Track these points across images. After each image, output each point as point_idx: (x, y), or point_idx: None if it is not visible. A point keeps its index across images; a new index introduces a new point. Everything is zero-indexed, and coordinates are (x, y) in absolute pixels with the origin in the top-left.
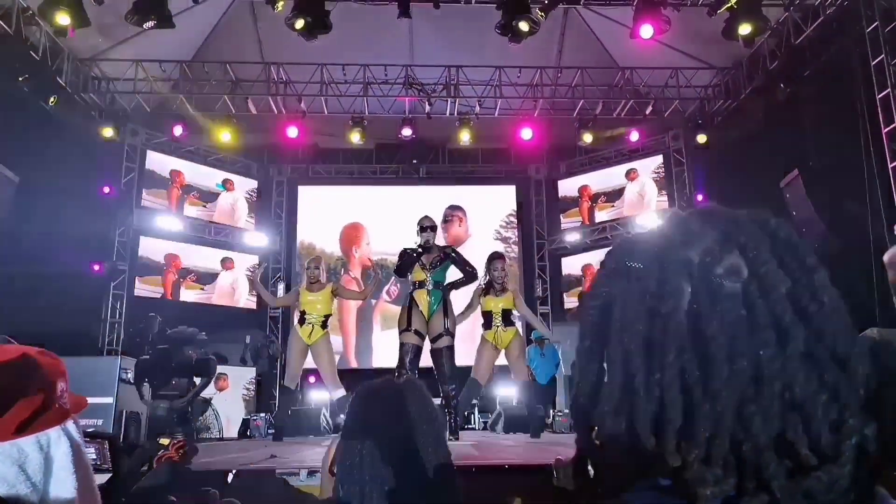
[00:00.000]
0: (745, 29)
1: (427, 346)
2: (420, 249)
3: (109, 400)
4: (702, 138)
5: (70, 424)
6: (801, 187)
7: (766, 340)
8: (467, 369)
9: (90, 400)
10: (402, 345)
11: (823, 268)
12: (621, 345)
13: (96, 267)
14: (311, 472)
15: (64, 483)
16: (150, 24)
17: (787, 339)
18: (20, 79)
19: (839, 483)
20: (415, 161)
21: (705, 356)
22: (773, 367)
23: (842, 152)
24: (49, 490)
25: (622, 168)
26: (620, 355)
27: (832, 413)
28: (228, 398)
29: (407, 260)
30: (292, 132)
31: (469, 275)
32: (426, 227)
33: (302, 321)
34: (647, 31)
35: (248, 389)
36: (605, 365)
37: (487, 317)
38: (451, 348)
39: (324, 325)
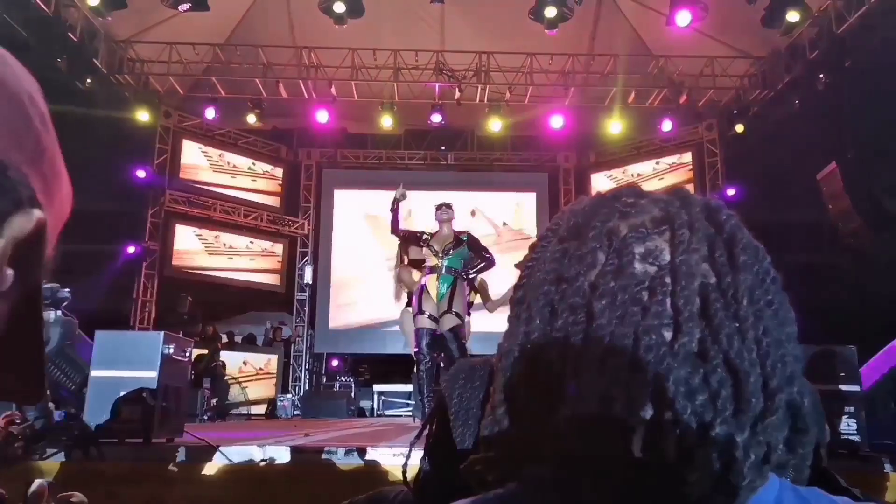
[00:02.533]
0: (793, 16)
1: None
2: (425, 234)
3: (153, 374)
4: (739, 128)
5: None
6: (839, 180)
7: (653, 328)
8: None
9: (133, 374)
10: (416, 330)
11: (769, 277)
12: (528, 304)
13: (130, 248)
14: (349, 451)
15: None
16: (185, 6)
17: (678, 334)
18: (58, 60)
19: (690, 489)
20: (443, 148)
21: (587, 332)
22: (650, 356)
23: (882, 146)
24: None
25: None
26: (526, 313)
27: (706, 415)
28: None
29: (410, 235)
30: (322, 117)
31: (486, 260)
32: (443, 219)
33: None
34: (684, 18)
35: (269, 374)
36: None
37: None
38: (453, 329)
39: None
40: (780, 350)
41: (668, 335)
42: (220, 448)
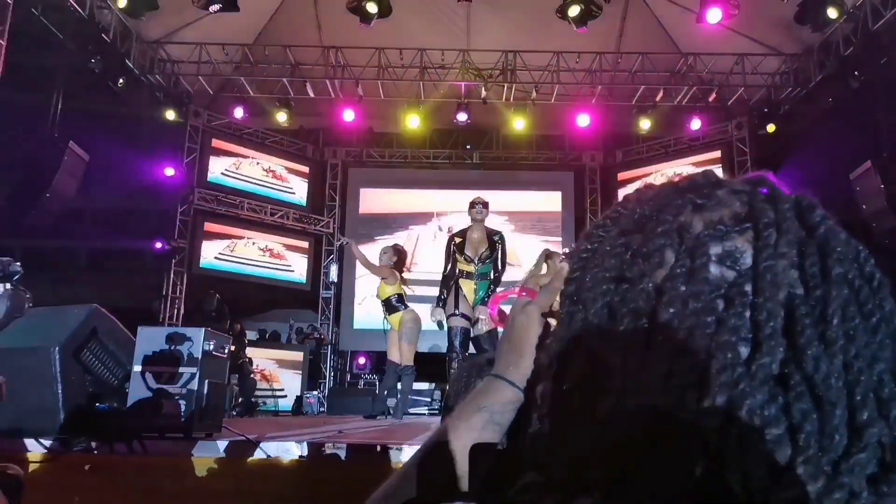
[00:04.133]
0: (832, 13)
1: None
2: (455, 240)
3: (194, 370)
4: (771, 127)
5: None
6: (874, 179)
7: (729, 344)
8: None
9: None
10: (450, 328)
11: (871, 284)
12: (584, 303)
13: (158, 245)
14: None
15: None
16: (216, 7)
17: (757, 353)
18: (92, 60)
19: None
20: (469, 146)
21: (650, 343)
22: (723, 378)
23: None
24: None
25: (681, 162)
26: (582, 314)
27: (780, 453)
28: (285, 376)
29: (448, 261)
30: (349, 116)
31: (496, 279)
32: (472, 210)
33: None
34: (714, 15)
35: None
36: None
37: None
38: (491, 332)
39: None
40: (876, 374)
41: (744, 353)
42: (261, 444)
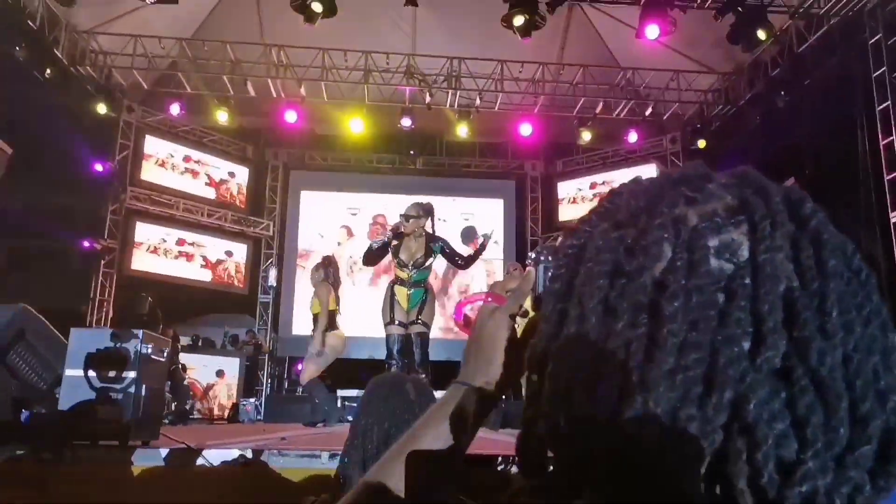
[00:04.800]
0: (762, 34)
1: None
2: (392, 242)
3: (132, 374)
4: (701, 143)
5: None
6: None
7: (734, 338)
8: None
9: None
10: (387, 336)
11: (860, 277)
12: (579, 299)
13: (86, 244)
14: (333, 455)
15: None
16: None
17: (762, 346)
18: (17, 48)
19: None
20: (412, 152)
21: (654, 338)
22: (730, 372)
23: (839, 163)
24: None
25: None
26: (577, 311)
27: (786, 448)
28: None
29: (369, 253)
30: (291, 117)
31: (460, 267)
32: (404, 214)
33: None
34: (653, 31)
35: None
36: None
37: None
38: (421, 335)
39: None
40: (871, 366)
41: (746, 346)
42: (203, 451)
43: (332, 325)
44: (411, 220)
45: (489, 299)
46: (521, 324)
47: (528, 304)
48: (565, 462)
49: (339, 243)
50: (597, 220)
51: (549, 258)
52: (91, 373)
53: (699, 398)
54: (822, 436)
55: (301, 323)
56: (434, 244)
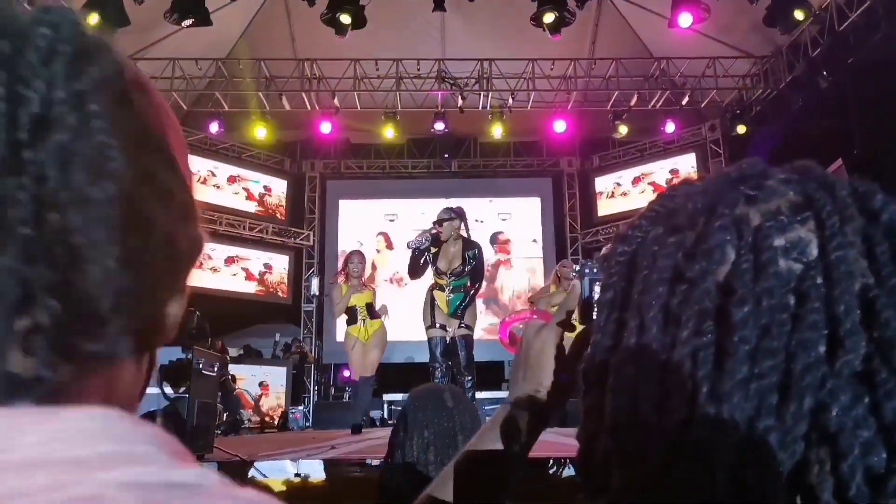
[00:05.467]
0: (799, 15)
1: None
2: (430, 250)
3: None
4: (741, 128)
5: None
6: (845, 177)
7: (810, 342)
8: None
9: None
10: (429, 339)
11: None
12: (638, 308)
13: None
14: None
15: None
16: (188, 21)
17: (840, 350)
18: None
19: None
20: (446, 155)
21: (723, 347)
22: (808, 378)
23: (888, 141)
24: None
25: (657, 165)
26: (636, 321)
27: (874, 457)
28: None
29: (412, 262)
30: (325, 128)
31: (471, 295)
32: (437, 220)
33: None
34: (685, 19)
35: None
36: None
37: (351, 312)
38: (465, 337)
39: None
40: None
41: (822, 351)
42: (256, 463)
43: (350, 320)
44: (445, 224)
45: (534, 316)
46: (568, 339)
47: (575, 317)
48: (631, 481)
49: (377, 250)
50: (648, 225)
51: (595, 270)
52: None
53: (776, 408)
54: (876, 428)
55: (344, 330)
56: (470, 251)
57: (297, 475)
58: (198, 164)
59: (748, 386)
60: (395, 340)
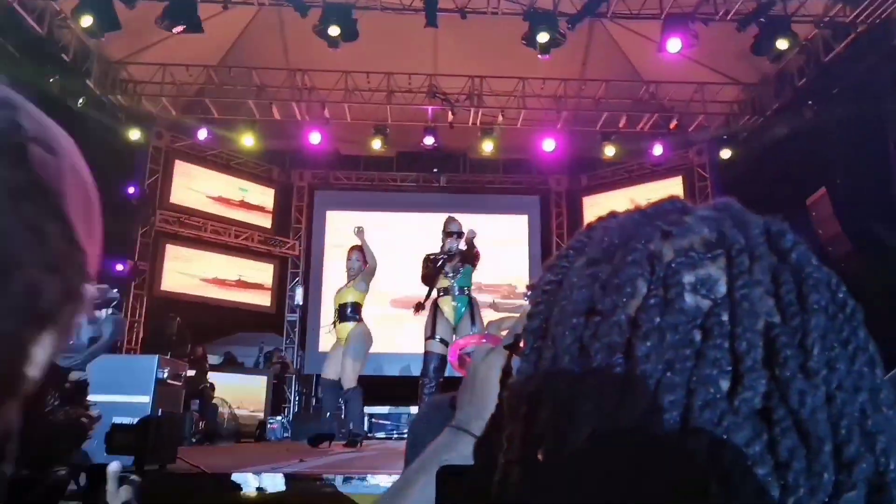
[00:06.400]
0: (782, 44)
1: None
2: (444, 256)
3: (147, 399)
4: (726, 153)
5: None
6: (828, 206)
7: (711, 378)
8: None
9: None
10: (426, 352)
11: (845, 311)
12: (554, 339)
13: (119, 267)
14: (347, 479)
15: None
16: (179, 28)
17: (739, 387)
18: (50, 80)
19: None
20: (435, 170)
21: (628, 379)
22: (707, 414)
23: (870, 172)
24: None
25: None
26: (551, 350)
27: (767, 495)
28: (245, 401)
29: (432, 269)
30: (315, 138)
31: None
32: (452, 232)
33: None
34: (674, 45)
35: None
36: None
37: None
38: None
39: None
40: (858, 405)
41: (724, 386)
42: (214, 476)
43: (340, 318)
44: (458, 235)
45: (483, 340)
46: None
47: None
48: None
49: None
50: (574, 255)
51: None
52: (108, 399)
53: (674, 444)
54: (804, 481)
55: (327, 341)
56: (464, 251)
57: (257, 489)
58: (186, 170)
59: (647, 420)
60: (384, 353)
